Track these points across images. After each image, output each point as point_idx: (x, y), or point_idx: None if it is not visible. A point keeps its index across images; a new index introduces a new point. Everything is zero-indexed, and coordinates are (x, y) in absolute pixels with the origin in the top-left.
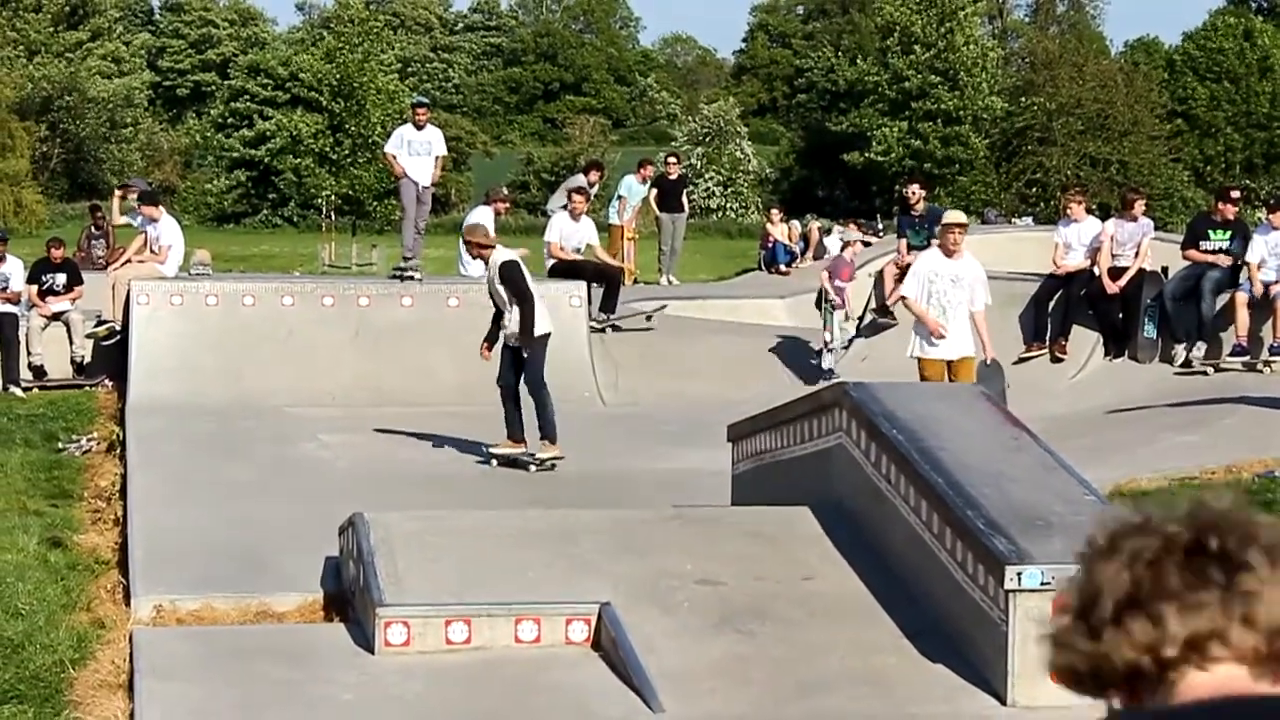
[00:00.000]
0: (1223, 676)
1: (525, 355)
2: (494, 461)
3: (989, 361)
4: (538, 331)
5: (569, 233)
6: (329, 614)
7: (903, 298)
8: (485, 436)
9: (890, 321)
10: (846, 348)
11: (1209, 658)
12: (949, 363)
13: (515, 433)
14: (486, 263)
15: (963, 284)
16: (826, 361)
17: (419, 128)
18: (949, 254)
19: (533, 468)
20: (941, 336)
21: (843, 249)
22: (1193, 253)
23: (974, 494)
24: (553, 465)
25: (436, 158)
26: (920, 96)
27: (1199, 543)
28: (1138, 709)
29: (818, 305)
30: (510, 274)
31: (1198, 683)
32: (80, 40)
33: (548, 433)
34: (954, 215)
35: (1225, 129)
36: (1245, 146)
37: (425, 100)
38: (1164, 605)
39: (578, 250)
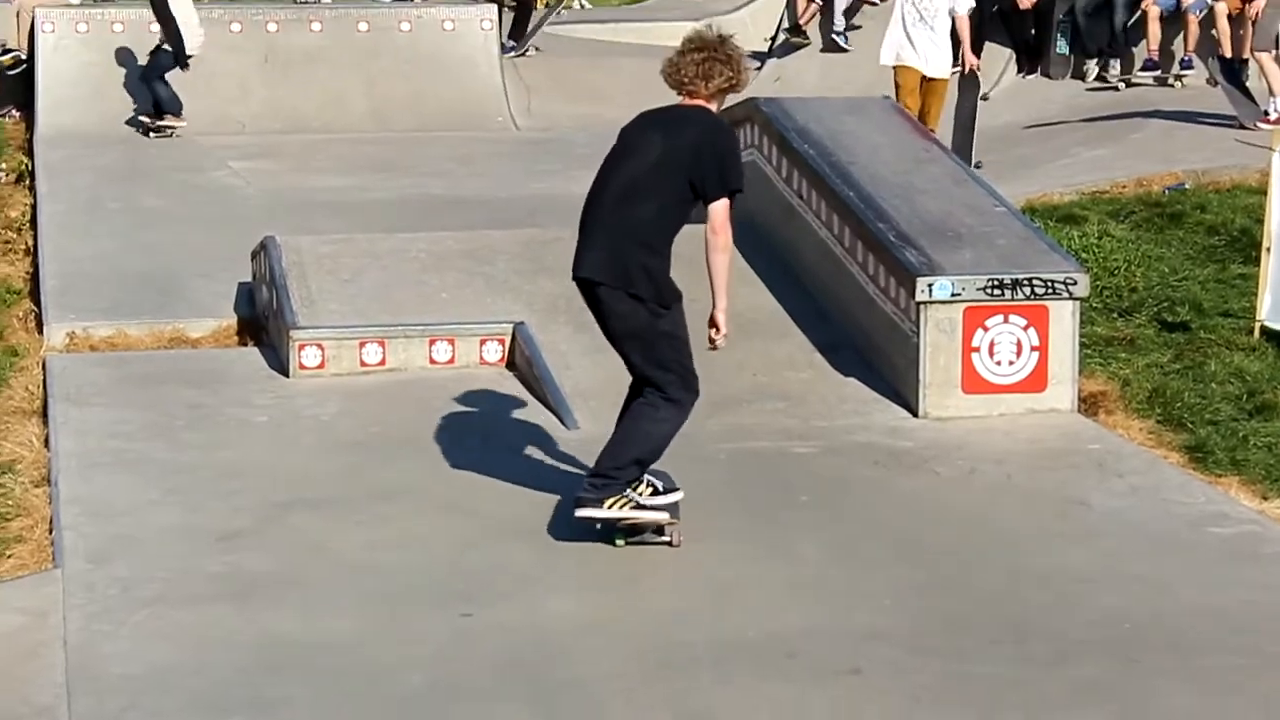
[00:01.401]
0: None
1: None
2: None
3: (967, 70)
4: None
5: None
6: (243, 339)
7: None
8: (397, 163)
9: (803, 41)
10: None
11: None
12: (925, 78)
13: None
14: None
15: None
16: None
17: None
18: None
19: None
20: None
21: None
22: None
23: (885, 207)
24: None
25: None
26: None
27: None
28: None
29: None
30: None
31: None
32: None
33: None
34: None
35: None
36: None
37: None
38: None
39: None
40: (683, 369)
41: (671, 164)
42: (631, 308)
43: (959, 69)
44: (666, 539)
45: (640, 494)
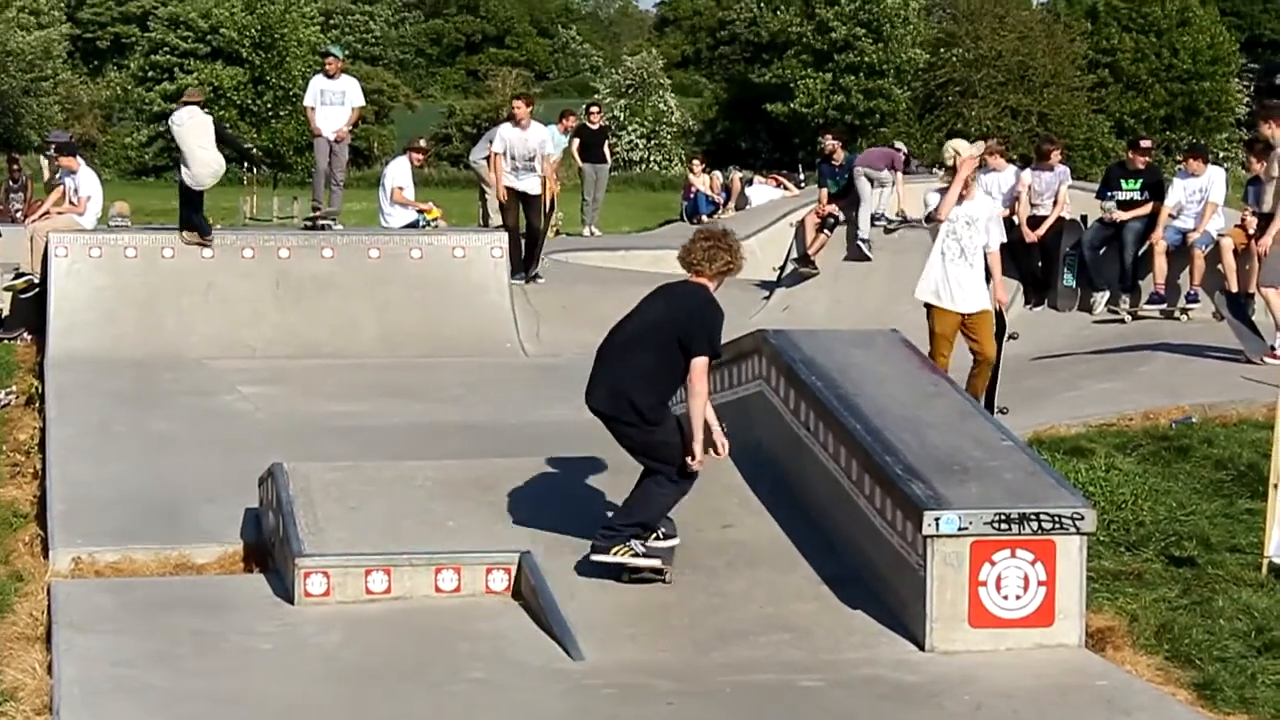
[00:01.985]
0: None
1: None
2: None
3: (997, 306)
4: None
5: (514, 141)
6: (249, 565)
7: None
8: (406, 388)
9: (811, 271)
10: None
11: None
12: (965, 315)
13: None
14: None
15: (978, 225)
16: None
17: (330, 77)
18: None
19: None
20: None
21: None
22: (1110, 205)
23: (892, 440)
24: None
25: (353, 108)
26: (844, 49)
27: None
28: None
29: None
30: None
31: None
32: None
33: None
34: (957, 145)
35: (1149, 82)
36: (1167, 101)
37: (334, 51)
38: None
39: (529, 162)
40: (679, 463)
41: (668, 324)
42: (629, 430)
43: None
44: (663, 578)
45: (641, 545)
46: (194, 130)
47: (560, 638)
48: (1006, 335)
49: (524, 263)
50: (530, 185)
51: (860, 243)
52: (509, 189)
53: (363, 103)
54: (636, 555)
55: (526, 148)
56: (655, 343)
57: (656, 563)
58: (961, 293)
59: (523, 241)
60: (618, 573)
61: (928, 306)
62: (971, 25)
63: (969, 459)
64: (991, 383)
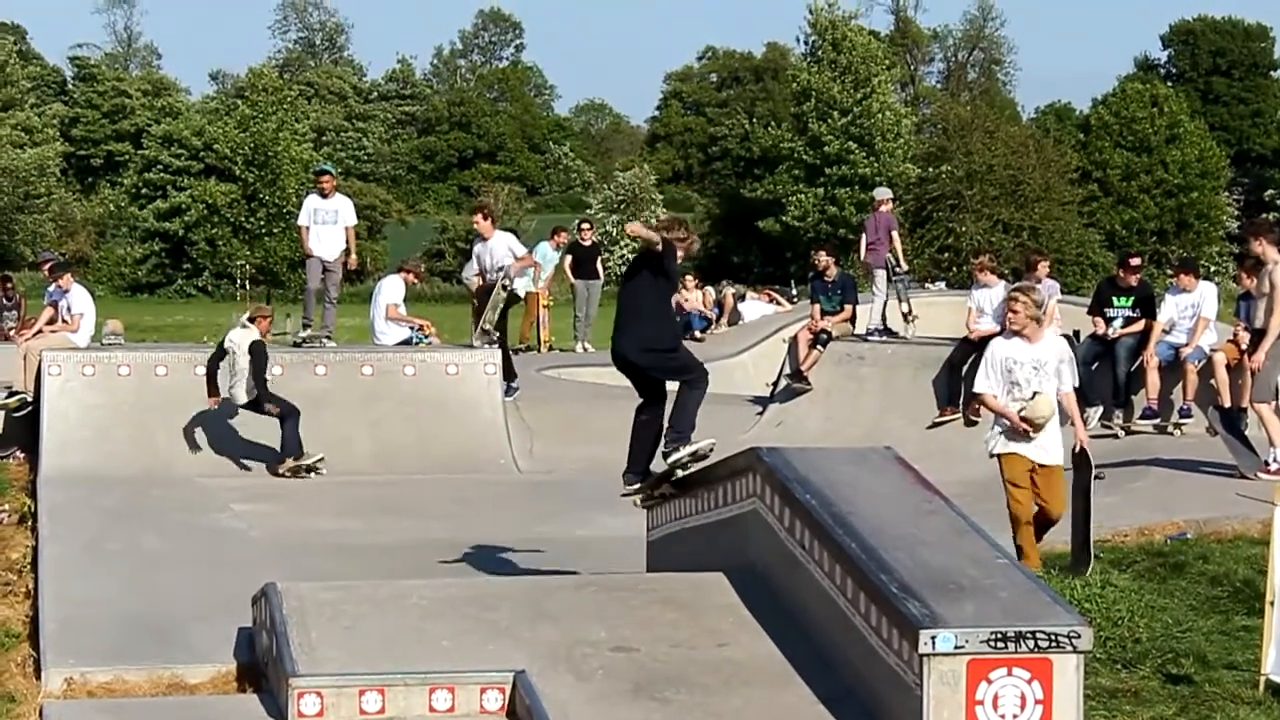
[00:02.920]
0: None
1: None
2: None
3: (1078, 449)
4: None
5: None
6: (242, 685)
7: (978, 396)
8: (400, 505)
9: (804, 387)
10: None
11: None
12: (1037, 465)
13: None
14: None
15: (1047, 370)
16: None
17: (324, 196)
18: (1024, 336)
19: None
20: (1029, 435)
21: None
22: (1099, 322)
23: (887, 558)
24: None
25: (346, 228)
26: (836, 162)
27: None
28: None
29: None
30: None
31: None
32: None
33: None
34: (1018, 292)
35: (1140, 197)
36: (1158, 215)
37: (328, 168)
38: None
39: (502, 270)
40: (696, 365)
41: (649, 279)
42: (668, 360)
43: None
44: (706, 457)
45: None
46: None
47: None
48: (1094, 474)
49: (505, 374)
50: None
51: (873, 333)
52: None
53: (355, 221)
54: (690, 448)
55: (494, 259)
56: (653, 301)
57: (709, 442)
58: (1032, 441)
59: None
60: (696, 457)
61: (999, 459)
62: (962, 140)
63: (965, 577)
64: (1085, 533)
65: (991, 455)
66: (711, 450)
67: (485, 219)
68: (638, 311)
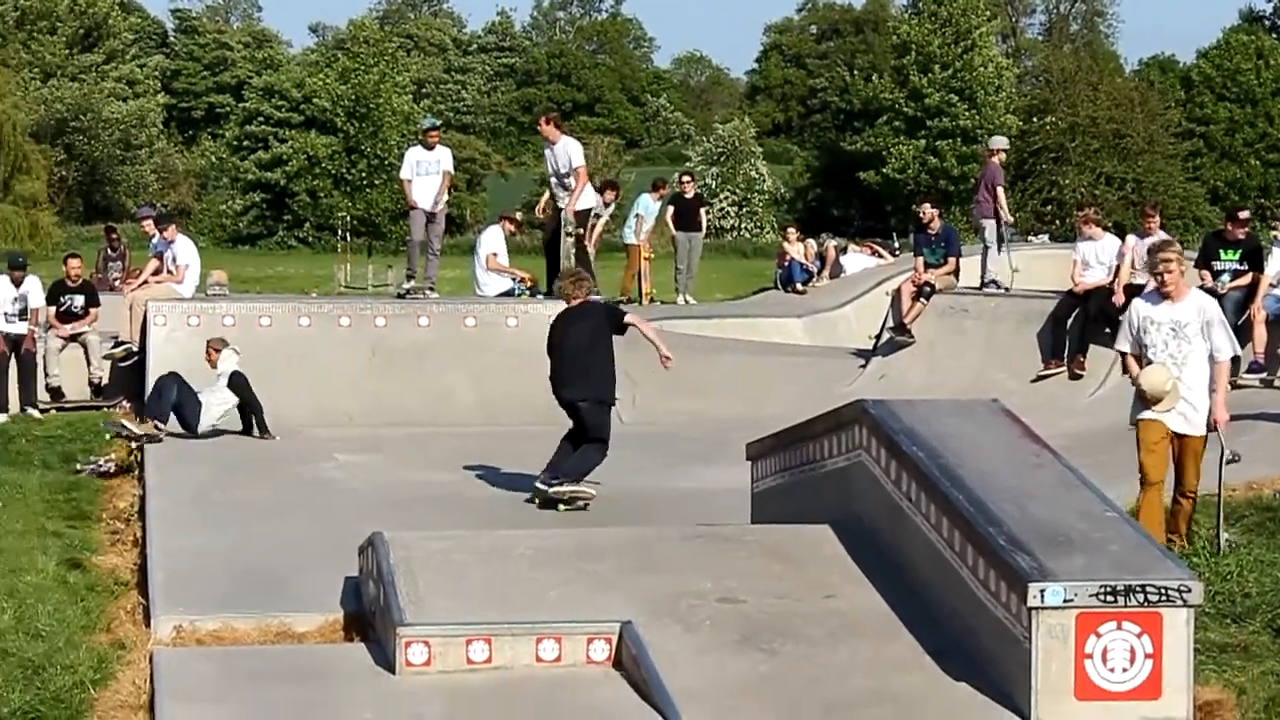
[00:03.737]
0: None
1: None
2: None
3: (1211, 425)
4: None
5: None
6: (349, 634)
7: (1121, 354)
8: (503, 456)
9: (907, 340)
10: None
11: None
12: (1177, 436)
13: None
14: None
15: (1187, 332)
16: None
17: (429, 148)
18: (1165, 294)
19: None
20: (1158, 401)
21: None
22: (1206, 276)
23: (995, 511)
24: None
25: (444, 173)
26: (937, 115)
27: None
28: None
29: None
30: None
31: None
32: (95, 63)
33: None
34: (1166, 247)
35: (1244, 153)
36: (1262, 172)
37: (437, 123)
38: None
39: (565, 178)
40: (608, 437)
41: (599, 331)
42: (598, 411)
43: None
44: (582, 506)
45: (572, 484)
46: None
47: (663, 709)
48: (1227, 459)
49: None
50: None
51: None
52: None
53: (451, 169)
54: (574, 488)
55: (557, 163)
56: (599, 351)
57: (591, 491)
58: (1171, 408)
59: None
60: (557, 502)
61: (1136, 426)
62: (1066, 92)
63: (1073, 530)
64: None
65: (1130, 425)
66: (587, 506)
67: (549, 124)
68: (585, 362)
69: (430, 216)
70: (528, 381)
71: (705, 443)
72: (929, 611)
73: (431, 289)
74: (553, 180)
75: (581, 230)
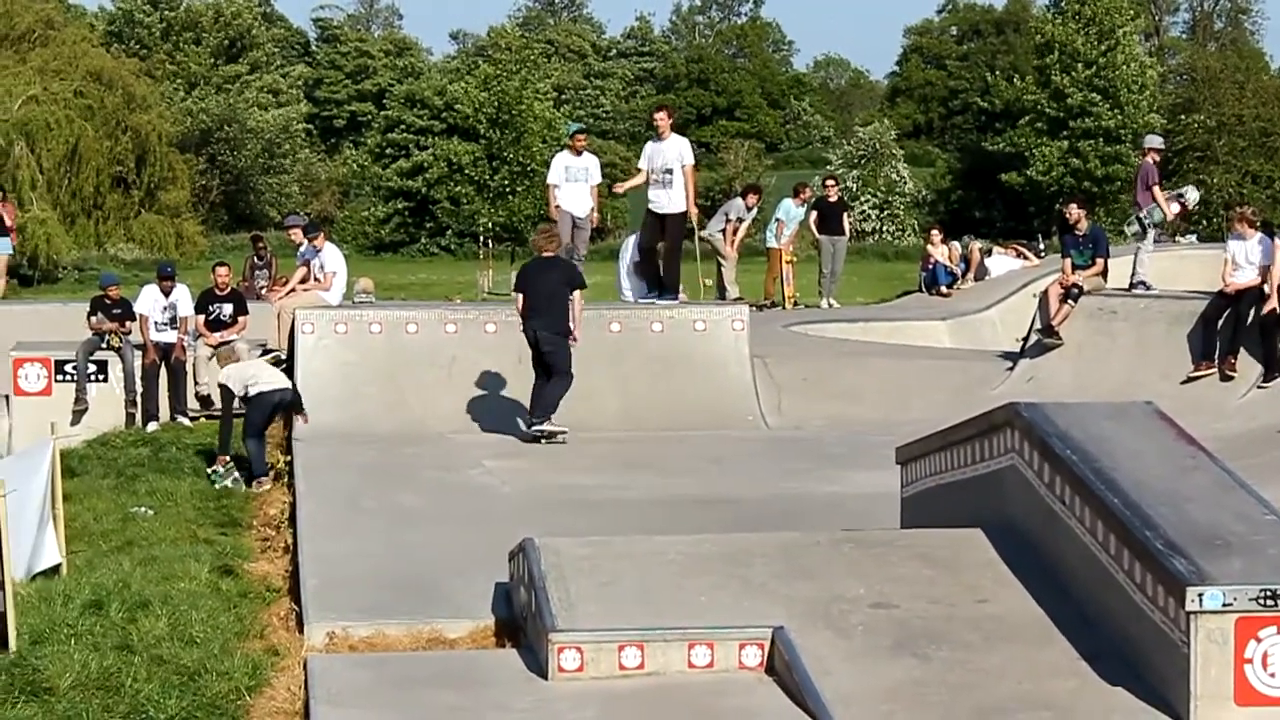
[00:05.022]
0: None
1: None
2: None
3: None
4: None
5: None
6: (500, 640)
7: None
8: (649, 461)
9: (1055, 342)
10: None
11: None
12: None
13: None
14: None
15: None
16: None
17: (577, 154)
18: None
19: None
20: None
21: None
22: None
23: (1151, 514)
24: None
25: (592, 186)
26: (1080, 115)
27: None
28: None
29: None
30: None
31: None
32: (239, 73)
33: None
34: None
35: None
36: None
37: (583, 127)
38: None
39: (667, 175)
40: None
41: (563, 279)
42: (558, 343)
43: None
44: (561, 441)
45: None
46: None
47: (816, 714)
48: None
49: (659, 280)
50: (662, 201)
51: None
52: (648, 210)
53: (600, 179)
54: (551, 426)
55: (664, 159)
56: (559, 296)
57: (563, 429)
58: None
59: (660, 261)
60: (540, 438)
61: None
62: (1211, 91)
63: (1231, 533)
64: None
65: None
66: (565, 441)
67: (670, 117)
68: (551, 301)
69: (576, 222)
70: (672, 387)
71: (851, 446)
72: (1083, 616)
73: None
74: (652, 178)
75: (690, 227)
